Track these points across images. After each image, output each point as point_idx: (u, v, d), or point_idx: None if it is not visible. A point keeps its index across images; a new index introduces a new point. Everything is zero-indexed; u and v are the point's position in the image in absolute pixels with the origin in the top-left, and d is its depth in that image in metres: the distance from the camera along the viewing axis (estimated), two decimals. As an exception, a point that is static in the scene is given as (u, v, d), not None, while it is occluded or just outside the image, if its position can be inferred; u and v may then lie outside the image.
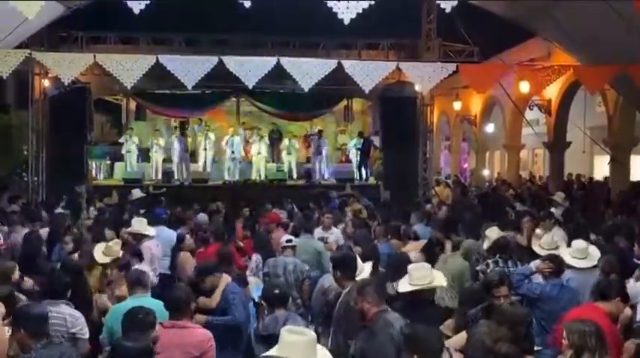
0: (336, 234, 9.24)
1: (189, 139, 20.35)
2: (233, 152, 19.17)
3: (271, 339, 4.30)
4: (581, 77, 13.88)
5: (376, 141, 20.57)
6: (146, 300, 5.29)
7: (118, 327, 4.64)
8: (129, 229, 8.58)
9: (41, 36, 15.79)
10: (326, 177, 20.06)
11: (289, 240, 7.53)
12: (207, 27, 18.52)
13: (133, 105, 23.15)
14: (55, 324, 4.85)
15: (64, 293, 5.29)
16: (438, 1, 8.66)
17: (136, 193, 14.11)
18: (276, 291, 5.22)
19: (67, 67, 12.02)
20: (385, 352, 4.28)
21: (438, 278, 5.30)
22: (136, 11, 8.81)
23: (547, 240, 7.14)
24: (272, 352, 3.64)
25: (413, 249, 7.71)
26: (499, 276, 5.44)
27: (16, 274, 5.91)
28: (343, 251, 6.96)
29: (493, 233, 7.28)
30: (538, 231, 8.26)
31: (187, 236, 8.97)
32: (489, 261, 6.75)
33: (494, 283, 5.30)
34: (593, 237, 8.20)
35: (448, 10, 8.68)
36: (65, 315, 5.05)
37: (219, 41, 18.05)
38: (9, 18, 11.44)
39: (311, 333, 3.64)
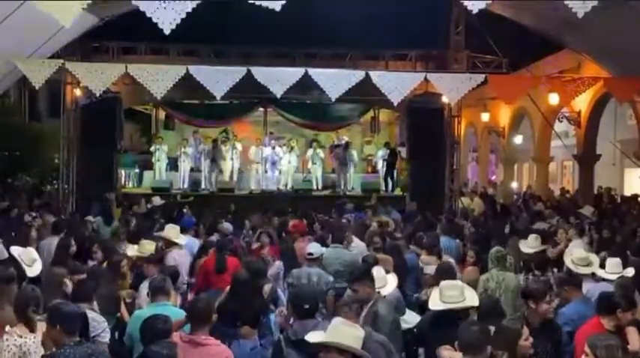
0: (359, 248, 8.93)
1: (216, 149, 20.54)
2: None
3: (302, 344, 4.39)
4: (611, 88, 13.70)
5: (402, 152, 20.49)
6: (167, 308, 5.31)
7: (137, 334, 4.72)
8: (160, 233, 8.61)
9: (74, 46, 16.07)
10: (350, 188, 20.04)
11: (310, 253, 7.50)
12: (235, 39, 18.72)
13: (162, 114, 23.43)
14: None
15: (90, 297, 5.36)
16: (464, 2, 8.31)
17: (156, 201, 14.25)
18: (306, 306, 5.11)
19: (98, 77, 12.27)
20: None
21: (469, 299, 5.12)
22: (167, 31, 8.74)
23: (579, 256, 6.97)
24: (319, 335, 3.94)
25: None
26: (543, 285, 5.35)
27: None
28: (368, 261, 6.98)
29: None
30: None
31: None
32: (530, 278, 6.67)
33: (540, 292, 5.14)
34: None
35: (475, 11, 8.27)
36: (88, 319, 5.13)
37: (247, 53, 18.21)
38: (44, 29, 11.72)
39: (361, 330, 4.08)
